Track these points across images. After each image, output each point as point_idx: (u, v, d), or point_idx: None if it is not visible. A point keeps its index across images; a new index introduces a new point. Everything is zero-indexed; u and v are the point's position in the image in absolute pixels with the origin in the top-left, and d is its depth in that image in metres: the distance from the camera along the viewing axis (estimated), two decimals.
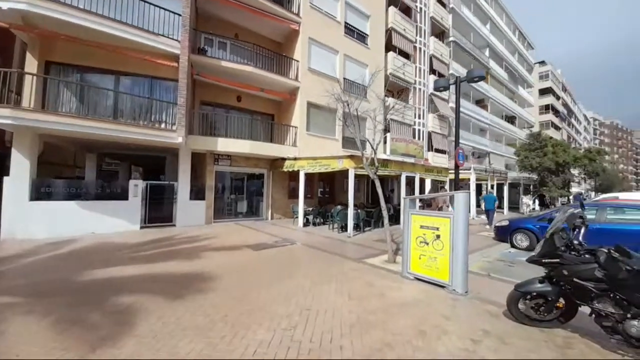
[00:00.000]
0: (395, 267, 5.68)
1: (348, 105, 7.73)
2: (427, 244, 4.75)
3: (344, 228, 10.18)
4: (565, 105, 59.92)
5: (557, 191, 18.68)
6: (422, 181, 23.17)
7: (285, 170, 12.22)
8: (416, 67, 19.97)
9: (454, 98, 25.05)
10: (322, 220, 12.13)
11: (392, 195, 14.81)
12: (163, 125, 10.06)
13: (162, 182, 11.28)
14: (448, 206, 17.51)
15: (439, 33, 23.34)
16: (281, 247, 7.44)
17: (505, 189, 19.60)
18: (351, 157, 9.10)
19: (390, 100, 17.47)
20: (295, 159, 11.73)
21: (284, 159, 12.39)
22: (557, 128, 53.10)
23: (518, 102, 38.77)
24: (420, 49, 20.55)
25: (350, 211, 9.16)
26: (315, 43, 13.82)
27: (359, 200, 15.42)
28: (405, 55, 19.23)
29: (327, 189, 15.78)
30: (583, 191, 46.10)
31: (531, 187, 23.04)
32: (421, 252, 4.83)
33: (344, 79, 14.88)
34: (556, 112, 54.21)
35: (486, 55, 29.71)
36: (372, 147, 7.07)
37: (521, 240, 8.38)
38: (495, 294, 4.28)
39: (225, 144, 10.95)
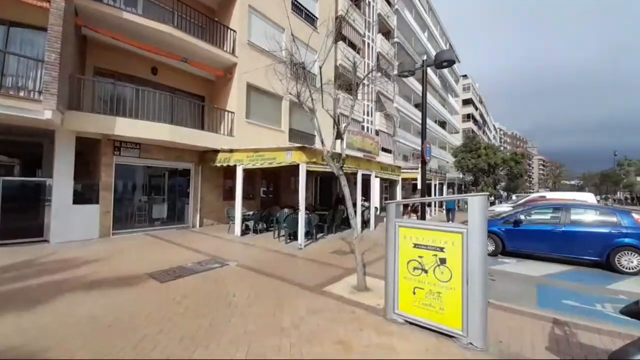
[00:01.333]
0: (371, 300, 4.07)
1: (298, 95, 5.91)
2: (426, 271, 3.23)
3: (292, 236, 8.31)
4: (481, 115, 68.59)
5: (488, 190, 20.14)
6: (365, 181, 22.88)
7: (218, 165, 9.78)
8: (364, 62, 19.23)
9: (399, 98, 25.37)
10: (265, 226, 10.05)
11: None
12: (23, 94, 6.71)
13: (26, 179, 7.75)
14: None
15: (385, 32, 23.26)
16: (206, 273, 5.21)
17: (444, 188, 20.26)
18: (302, 149, 7.30)
19: (340, 94, 16.29)
20: (231, 151, 9.39)
21: (216, 151, 9.91)
22: (475, 135, 60.24)
23: (448, 109, 42.31)
24: (368, 44, 19.91)
25: (302, 216, 7.35)
26: (257, 14, 11.60)
27: (307, 201, 13.75)
28: (354, 48, 18.30)
29: (271, 189, 13.67)
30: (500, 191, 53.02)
31: (463, 186, 24.62)
32: (416, 284, 3.29)
33: (292, 62, 12.96)
34: (475, 121, 61.48)
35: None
36: (340, 133, 5.41)
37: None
38: (519, 339, 2.98)
39: (131, 127, 8.02)
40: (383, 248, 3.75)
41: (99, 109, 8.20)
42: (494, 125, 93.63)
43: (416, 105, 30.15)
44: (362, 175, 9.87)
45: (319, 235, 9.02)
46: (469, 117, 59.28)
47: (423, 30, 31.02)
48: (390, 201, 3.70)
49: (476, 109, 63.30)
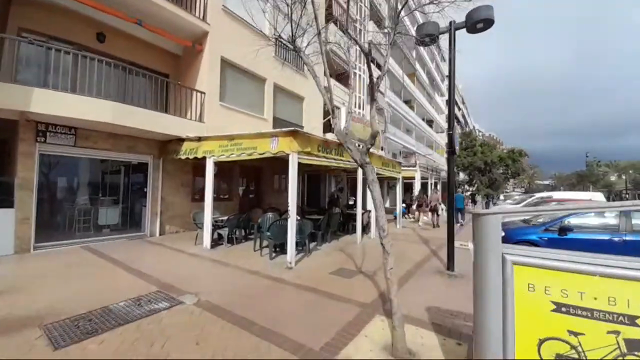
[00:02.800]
0: None
1: (292, 39, 4.09)
2: None
3: (278, 248, 6.44)
4: (463, 116, 69.38)
5: (484, 190, 19.19)
6: (351, 180, 21.29)
7: (184, 157, 7.71)
8: (356, 50, 17.59)
9: (390, 93, 23.98)
10: (244, 233, 8.09)
11: (341, 196, 11.79)
12: None
13: None
14: (443, 208, 15.08)
15: (376, 21, 21.81)
16: (141, 322, 3.24)
17: (439, 187, 19.04)
18: (293, 134, 5.45)
19: (331, 82, 14.53)
20: (199, 139, 7.37)
21: (182, 141, 7.84)
22: (471, 132, 60.64)
23: (434, 107, 41.75)
24: (360, 30, 18.31)
25: (293, 223, 5.49)
26: None
27: (282, 200, 11.94)
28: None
29: (252, 188, 11.67)
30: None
31: (456, 186, 23.65)
32: None
33: (276, 38, 11.06)
34: (458, 121, 61.88)
35: (413, 57, 30.15)
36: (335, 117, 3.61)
37: None
38: None
39: (56, 103, 5.83)
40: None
41: (19, 77, 5.92)
42: (474, 126, 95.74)
43: (406, 102, 29.02)
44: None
45: (312, 245, 7.20)
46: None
47: (413, 24, 29.91)
48: (487, 211, 1.95)
49: (459, 109, 63.78)
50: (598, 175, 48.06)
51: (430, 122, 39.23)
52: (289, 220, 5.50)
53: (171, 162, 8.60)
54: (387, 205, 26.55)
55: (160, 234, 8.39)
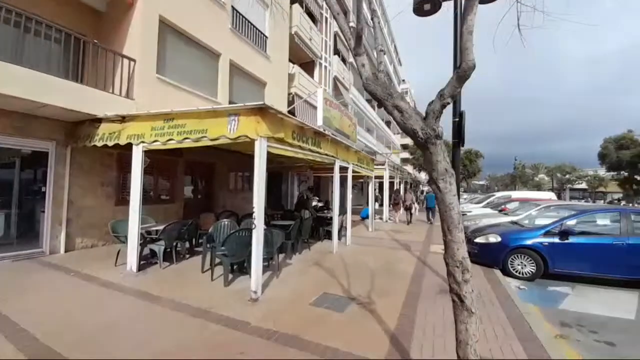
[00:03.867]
0: None
1: None
2: None
3: (236, 268, 4.82)
4: None
5: None
6: (318, 178, 20.06)
7: (100, 144, 5.59)
8: (322, 38, 16.39)
9: (354, 89, 23.28)
10: (189, 247, 6.23)
11: (311, 196, 10.30)
12: None
13: None
14: (416, 207, 14.65)
15: (343, 13, 20.88)
16: None
17: (402, 186, 18.81)
18: (262, 112, 3.89)
19: (296, 69, 13.08)
20: (122, 119, 5.35)
21: (98, 121, 5.71)
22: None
23: None
24: (326, 19, 17.14)
25: (260, 235, 3.94)
26: None
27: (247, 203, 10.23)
28: (313, 20, 15.30)
29: (201, 187, 9.64)
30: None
31: (412, 185, 23.87)
32: None
33: (234, 9, 9.23)
34: None
35: (375, 57, 30.06)
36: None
37: (522, 265, 5.53)
38: None
39: None
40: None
41: None
42: None
43: (368, 101, 28.77)
44: (340, 168, 6.88)
45: (281, 257, 5.69)
46: None
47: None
48: None
49: None
50: (528, 176, 54.15)
51: (388, 123, 40.01)
52: (254, 230, 3.94)
53: (85, 152, 6.33)
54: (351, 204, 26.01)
55: (66, 251, 6.08)
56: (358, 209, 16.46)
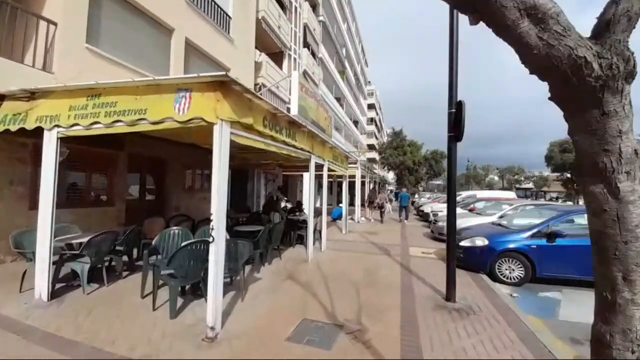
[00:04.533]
0: None
1: None
2: None
3: (188, 289, 3.79)
4: (379, 121, 75.08)
5: (412, 188, 19.70)
6: (286, 177, 19.03)
7: (0, 129, 4.15)
8: (291, 29, 15.46)
9: (323, 86, 22.63)
10: (129, 261, 4.97)
11: (281, 197, 9.24)
12: None
13: None
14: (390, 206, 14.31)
15: (312, 6, 20.12)
16: None
17: (371, 186, 18.61)
18: (223, 87, 2.94)
19: (264, 57, 11.99)
20: (31, 96, 3.98)
21: (1, 98, 4.25)
22: (376, 138, 65.06)
23: (360, 110, 43.06)
24: (296, 8, 16.23)
25: (220, 252, 2.97)
26: None
27: (207, 204, 9.01)
28: (282, 7, 14.28)
29: (150, 185, 8.19)
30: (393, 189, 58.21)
31: (380, 184, 24.01)
32: None
33: None
34: (376, 125, 66.49)
35: (343, 54, 29.83)
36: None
37: (510, 269, 5.21)
38: None
39: None
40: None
41: None
42: (386, 132, 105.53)
43: (337, 99, 28.38)
44: (315, 165, 6.08)
45: (247, 269, 4.73)
46: (371, 120, 63.48)
47: (344, 21, 29.57)
48: None
49: (377, 114, 68.56)
50: (481, 177, 58.37)
51: (355, 123, 40.18)
52: (213, 245, 2.97)
53: None
54: (318, 204, 25.34)
55: None
56: (328, 209, 15.83)
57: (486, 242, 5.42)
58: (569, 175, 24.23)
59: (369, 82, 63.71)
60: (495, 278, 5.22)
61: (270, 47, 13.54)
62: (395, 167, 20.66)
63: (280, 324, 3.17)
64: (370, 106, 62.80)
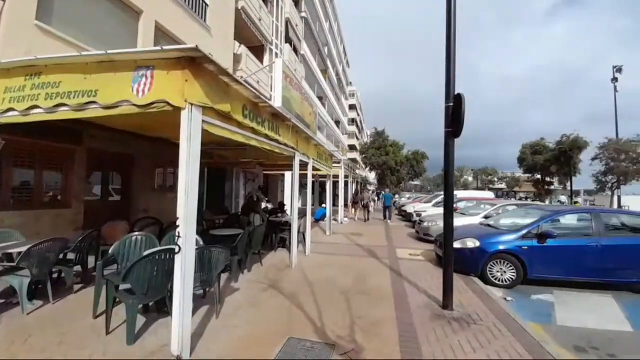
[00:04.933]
0: None
1: None
2: None
3: (152, 306, 3.22)
4: (360, 122, 75.67)
5: (394, 188, 19.72)
6: (266, 177, 18.35)
7: None
8: (273, 22, 14.87)
9: (305, 83, 22.15)
10: (84, 272, 4.27)
11: (261, 197, 8.62)
12: None
13: None
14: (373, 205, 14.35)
15: (294, 1, 19.61)
16: None
17: (353, 186, 18.43)
18: (192, 64, 2.44)
19: (243, 49, 11.35)
20: None
21: None
22: (357, 139, 65.46)
23: (341, 109, 42.99)
24: (277, 1, 15.65)
25: (187, 264, 2.46)
26: None
27: (168, 205, 8.33)
28: None
29: (114, 184, 7.36)
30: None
31: (362, 184, 23.96)
32: None
33: None
34: (357, 126, 66.90)
35: (325, 53, 29.55)
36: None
37: (501, 271, 5.05)
38: None
39: None
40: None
41: None
42: (366, 133, 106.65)
43: (319, 98, 28.02)
44: (300, 163, 5.64)
45: (224, 277, 4.22)
46: (352, 121, 63.78)
47: (326, 20, 29.29)
48: None
49: (358, 114, 69.02)
50: (457, 177, 60.38)
51: (337, 123, 40.05)
52: (179, 257, 2.46)
53: None
54: (299, 204, 24.85)
55: None
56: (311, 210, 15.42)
57: (477, 244, 5.24)
58: (539, 176, 25.52)
59: (350, 82, 63.99)
60: (486, 280, 5.04)
61: (251, 39, 12.89)
62: (378, 167, 20.62)
63: (262, 346, 2.72)
64: (352, 107, 63.10)
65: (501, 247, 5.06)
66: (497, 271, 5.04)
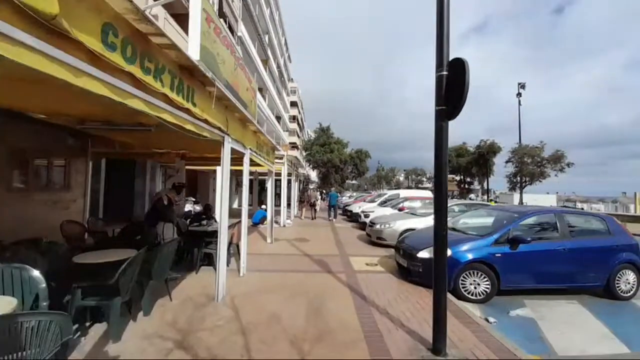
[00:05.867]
0: None
1: None
2: None
3: None
4: (302, 120, 74.96)
5: (338, 187, 19.08)
6: (194, 173, 15.58)
7: None
8: None
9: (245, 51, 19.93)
10: None
11: (178, 200, 6.40)
12: None
13: None
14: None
15: None
16: None
17: (296, 184, 17.22)
18: None
19: (161, 11, 8.96)
20: None
21: None
22: (298, 137, 64.49)
23: (282, 105, 41.23)
24: None
25: None
26: None
27: (55, 212, 5.87)
28: None
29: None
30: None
31: (304, 183, 22.97)
32: None
33: None
34: (299, 124, 65.99)
35: (266, 42, 27.60)
36: None
37: (475, 284, 4.36)
38: None
39: None
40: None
41: None
42: (307, 132, 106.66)
43: (260, 89, 25.88)
44: (232, 152, 4.09)
45: (100, 331, 2.45)
46: (294, 118, 62.61)
47: (267, 6, 27.32)
48: None
49: (299, 112, 68.08)
50: (391, 178, 64.49)
51: (278, 118, 38.19)
52: None
53: None
54: (236, 205, 22.42)
55: None
56: (249, 212, 13.60)
57: (449, 253, 4.47)
58: (461, 176, 28.39)
59: (292, 78, 62.66)
60: (459, 295, 4.30)
61: (175, 5, 10.47)
62: (322, 165, 19.77)
63: None
64: (293, 104, 61.85)
65: (474, 255, 4.37)
66: (471, 284, 4.34)
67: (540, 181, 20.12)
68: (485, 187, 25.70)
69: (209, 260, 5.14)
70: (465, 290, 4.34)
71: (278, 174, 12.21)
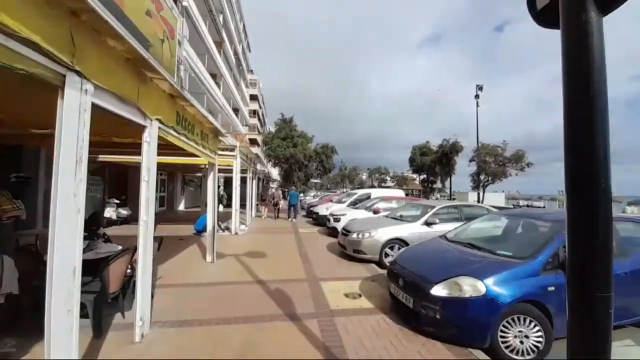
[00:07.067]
0: None
1: None
2: None
3: None
4: (262, 115, 71.49)
5: (301, 186, 17.19)
6: (125, 169, 12.34)
7: None
8: None
9: (189, 48, 16.98)
10: None
11: (19, 207, 3.89)
12: None
13: None
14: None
15: None
16: None
17: (254, 183, 15.02)
18: None
19: None
20: None
21: None
22: (259, 132, 61.21)
23: (241, 97, 38.05)
24: None
25: None
26: None
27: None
28: None
29: None
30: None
31: (265, 181, 20.75)
32: None
33: None
34: (259, 119, 62.67)
35: (220, 22, 24.62)
36: None
37: (521, 335, 2.81)
38: None
39: None
40: None
41: None
42: (268, 128, 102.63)
43: (212, 75, 22.84)
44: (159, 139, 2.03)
45: None
46: (254, 113, 59.25)
47: None
48: None
49: (260, 107, 64.68)
50: (354, 177, 64.43)
51: (235, 111, 35.02)
52: None
53: None
54: (182, 207, 19.32)
55: None
56: (192, 216, 11.11)
57: (482, 290, 2.86)
58: (425, 175, 28.51)
59: (252, 70, 59.14)
60: (498, 354, 2.72)
61: None
62: (285, 160, 17.65)
63: None
64: (253, 97, 58.45)
65: (519, 292, 2.84)
66: (515, 336, 2.80)
67: (501, 180, 20.61)
68: (448, 185, 25.96)
69: (95, 317, 2.93)
70: (507, 347, 2.78)
71: (229, 170, 9.99)
